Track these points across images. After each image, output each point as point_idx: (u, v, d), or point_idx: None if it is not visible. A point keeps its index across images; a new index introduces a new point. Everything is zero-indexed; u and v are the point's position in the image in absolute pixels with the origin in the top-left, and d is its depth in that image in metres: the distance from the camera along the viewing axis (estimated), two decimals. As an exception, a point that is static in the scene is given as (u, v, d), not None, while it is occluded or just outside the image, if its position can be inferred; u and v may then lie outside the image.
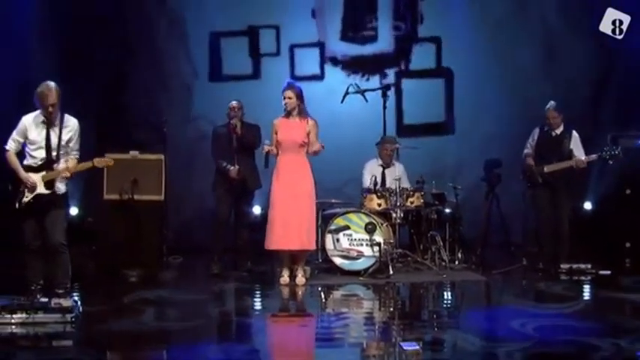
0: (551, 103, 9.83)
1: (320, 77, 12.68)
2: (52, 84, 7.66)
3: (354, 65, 12.72)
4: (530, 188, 9.93)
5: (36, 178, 7.70)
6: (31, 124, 7.73)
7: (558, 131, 9.82)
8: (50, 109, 7.61)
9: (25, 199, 7.70)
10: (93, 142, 8.05)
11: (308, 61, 12.69)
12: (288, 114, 9.16)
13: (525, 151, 10.02)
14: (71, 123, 7.82)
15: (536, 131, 9.97)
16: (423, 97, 12.71)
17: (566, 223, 9.80)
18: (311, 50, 12.71)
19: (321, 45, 12.74)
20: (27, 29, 11.66)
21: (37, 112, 7.74)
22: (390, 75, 12.76)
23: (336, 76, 12.56)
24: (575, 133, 9.81)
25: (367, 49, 12.78)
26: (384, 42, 12.80)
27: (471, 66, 12.55)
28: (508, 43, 12.48)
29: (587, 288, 9.18)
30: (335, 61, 12.75)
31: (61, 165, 7.75)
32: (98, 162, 7.93)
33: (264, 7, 12.54)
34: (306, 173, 9.11)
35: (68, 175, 7.77)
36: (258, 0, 12.51)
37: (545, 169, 9.70)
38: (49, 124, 7.70)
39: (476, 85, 12.52)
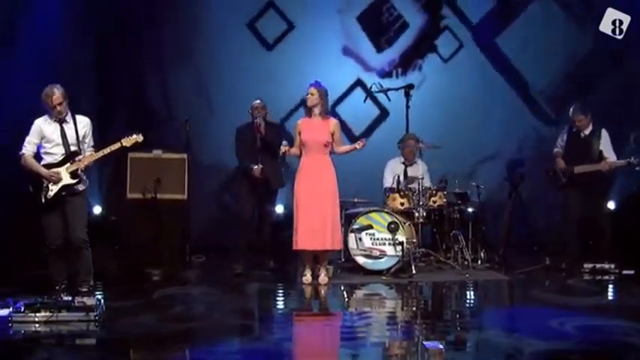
0: (573, 106, 9.71)
1: (385, 114, 11.85)
2: (55, 85, 7.89)
3: (403, 63, 12.01)
4: (561, 187, 9.83)
5: (60, 170, 7.83)
6: (44, 123, 7.94)
7: (587, 131, 9.69)
8: (58, 107, 7.83)
9: (51, 193, 7.83)
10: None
11: (359, 107, 11.73)
12: (309, 112, 9.15)
13: (555, 150, 9.91)
14: (84, 119, 8.06)
15: (565, 130, 9.87)
16: (533, 47, 11.75)
17: (608, 221, 9.83)
18: (354, 95, 11.91)
19: (360, 82, 11.92)
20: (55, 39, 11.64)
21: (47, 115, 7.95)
22: (450, 43, 11.88)
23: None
24: (604, 133, 9.67)
25: (406, 39, 12.01)
26: (416, 20, 11.97)
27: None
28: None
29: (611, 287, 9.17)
30: (388, 74, 11.96)
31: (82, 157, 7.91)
32: (126, 141, 8.01)
33: (284, 89, 11.59)
34: (329, 173, 9.09)
35: (96, 157, 7.90)
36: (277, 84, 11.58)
37: (576, 170, 9.61)
38: (61, 121, 7.90)
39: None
